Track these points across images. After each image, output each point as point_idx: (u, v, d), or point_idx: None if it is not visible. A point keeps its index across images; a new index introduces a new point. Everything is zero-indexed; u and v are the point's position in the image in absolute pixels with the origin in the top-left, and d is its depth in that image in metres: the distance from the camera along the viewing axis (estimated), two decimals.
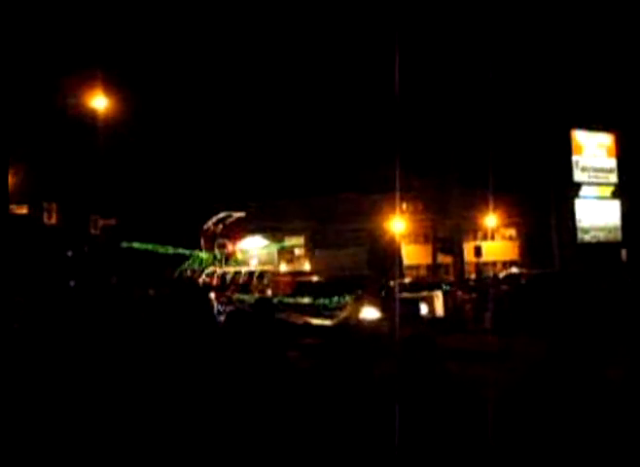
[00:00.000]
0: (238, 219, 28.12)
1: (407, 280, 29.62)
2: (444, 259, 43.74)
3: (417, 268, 45.84)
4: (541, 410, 10.63)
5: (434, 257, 44.43)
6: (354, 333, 18.65)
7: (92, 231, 28.58)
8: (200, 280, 24.92)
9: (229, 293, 24.45)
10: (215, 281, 25.80)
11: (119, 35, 36.71)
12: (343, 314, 20.12)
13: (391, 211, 40.25)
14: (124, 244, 26.43)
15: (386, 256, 33.95)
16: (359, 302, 20.42)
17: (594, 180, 41.88)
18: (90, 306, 22.94)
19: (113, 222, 29.05)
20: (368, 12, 40.16)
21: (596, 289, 21.69)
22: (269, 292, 25.26)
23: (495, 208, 40.48)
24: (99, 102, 25.56)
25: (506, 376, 14.28)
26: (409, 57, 37.29)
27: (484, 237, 44.00)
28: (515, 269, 32.57)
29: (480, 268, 39.30)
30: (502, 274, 28.50)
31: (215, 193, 39.99)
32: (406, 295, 22.81)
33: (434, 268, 44.05)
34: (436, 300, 23.65)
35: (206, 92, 41.36)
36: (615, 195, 42.54)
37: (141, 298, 25.57)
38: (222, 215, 27.17)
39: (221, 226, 27.08)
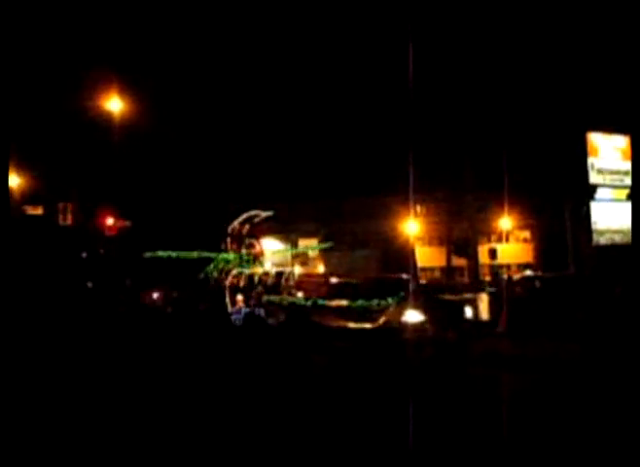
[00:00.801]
0: (267, 218, 27.42)
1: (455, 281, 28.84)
2: (459, 261, 43.63)
3: (432, 270, 45.80)
4: (574, 413, 10.74)
5: (448, 259, 44.31)
6: (396, 336, 18.23)
7: (107, 232, 28.71)
8: (227, 282, 24.52)
9: (256, 295, 23.98)
10: (242, 282, 25.32)
11: (134, 38, 36.84)
12: (385, 317, 19.31)
13: (405, 213, 40.26)
14: (148, 254, 26.06)
15: (400, 258, 33.94)
16: (402, 304, 19.47)
17: (610, 182, 41.69)
18: (105, 308, 23.20)
19: (128, 224, 29.14)
20: (379, 12, 40.10)
21: (613, 292, 21.61)
22: (300, 294, 24.58)
23: (510, 210, 40.40)
24: (115, 104, 25.75)
25: (524, 378, 14.53)
26: (424, 59, 37.32)
27: (499, 240, 43.85)
28: (529, 272, 32.46)
29: (494, 270, 39.15)
30: (516, 277, 28.29)
31: (231, 194, 40.14)
32: (449, 297, 22.23)
33: (448, 270, 43.94)
34: (480, 303, 22.93)
35: (222, 96, 41.42)
36: (631, 197, 42.27)
37: (164, 299, 26.14)
38: (250, 214, 26.64)
39: (248, 225, 26.38)
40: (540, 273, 29.55)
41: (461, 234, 44.05)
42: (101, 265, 29.07)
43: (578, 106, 38.57)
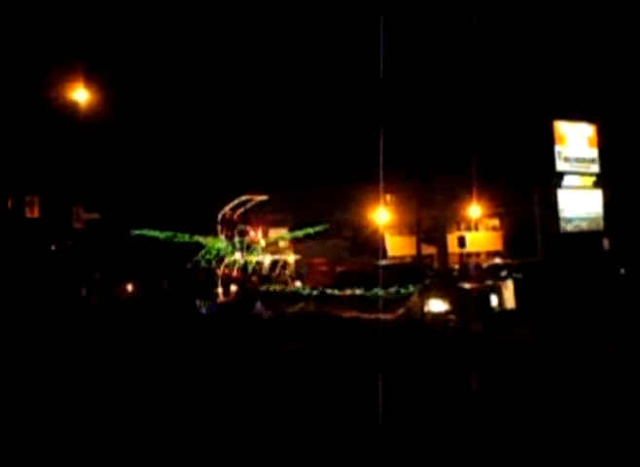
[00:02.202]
0: (261, 202, 25.78)
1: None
2: (429, 250, 43.86)
3: (402, 258, 46.01)
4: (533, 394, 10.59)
5: (418, 248, 44.52)
6: (419, 329, 16.94)
7: (76, 224, 28.38)
8: (219, 272, 23.13)
9: (250, 285, 22.61)
10: (235, 272, 23.87)
11: (100, 26, 36.47)
12: (405, 308, 17.70)
13: (375, 202, 40.37)
14: (136, 232, 24.48)
15: (371, 246, 33.98)
16: (425, 293, 17.99)
17: (576, 170, 42.14)
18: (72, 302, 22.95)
19: (96, 216, 28.87)
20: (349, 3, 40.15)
21: (579, 278, 21.72)
22: (298, 283, 23.15)
23: (479, 199, 40.72)
24: (81, 94, 25.46)
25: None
26: (393, 48, 37.34)
27: (468, 228, 44.18)
28: (498, 260, 32.75)
29: (463, 258, 39.47)
30: (485, 265, 28.46)
31: (200, 184, 39.99)
32: (473, 285, 20.43)
33: (418, 258, 44.15)
34: (504, 290, 21.05)
35: (191, 84, 41.16)
36: (597, 184, 42.85)
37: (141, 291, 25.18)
38: (242, 199, 24.81)
39: (241, 210, 24.76)
40: (509, 261, 29.77)
41: (431, 223, 44.27)
42: (69, 257, 28.75)
43: (545, 94, 38.89)
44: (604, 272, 22.89)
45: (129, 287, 24.34)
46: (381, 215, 40.57)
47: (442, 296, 17.90)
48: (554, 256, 35.36)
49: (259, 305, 20.96)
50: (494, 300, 19.44)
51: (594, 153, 43.04)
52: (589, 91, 38.90)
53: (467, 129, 38.35)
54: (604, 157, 42.39)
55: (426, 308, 17.62)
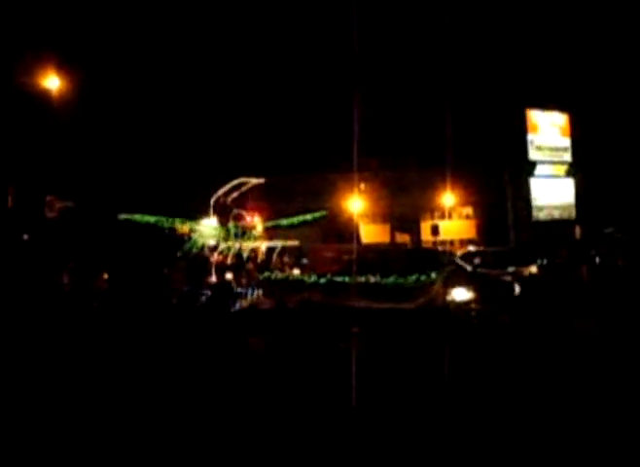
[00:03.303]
0: (258, 186, 24.24)
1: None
2: (402, 238, 44.07)
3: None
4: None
5: (392, 236, 44.73)
6: (442, 318, 15.53)
7: (49, 213, 28.03)
8: (212, 259, 21.84)
9: (246, 273, 21.57)
10: (230, 259, 22.51)
11: (74, 12, 36.09)
12: (426, 296, 16.40)
13: (349, 191, 40.40)
14: (123, 216, 23.24)
15: (344, 235, 33.91)
16: (449, 281, 16.64)
17: (549, 159, 42.49)
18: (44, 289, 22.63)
19: (70, 204, 28.53)
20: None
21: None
22: (296, 271, 21.77)
23: (453, 187, 40.91)
24: (53, 81, 25.15)
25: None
26: (368, 36, 37.34)
27: (442, 216, 44.36)
28: (471, 248, 32.95)
29: (437, 246, 39.65)
30: (459, 253, 28.53)
31: (174, 172, 39.83)
32: (496, 272, 19.12)
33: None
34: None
35: (171, 66, 40.84)
36: (569, 173, 43.24)
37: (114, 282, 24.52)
38: (235, 182, 23.42)
39: (235, 195, 23.32)
40: (482, 248, 29.91)
41: (404, 211, 44.47)
42: (43, 247, 28.38)
43: (518, 83, 39.12)
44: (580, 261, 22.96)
45: (107, 276, 24.02)
46: (355, 203, 40.62)
47: (466, 284, 16.59)
48: (526, 243, 35.64)
49: (256, 294, 19.95)
50: (517, 288, 18.11)
51: (567, 142, 43.42)
52: (562, 81, 39.18)
53: (440, 118, 38.45)
54: (576, 146, 42.78)
55: (449, 297, 16.39)
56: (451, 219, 44.61)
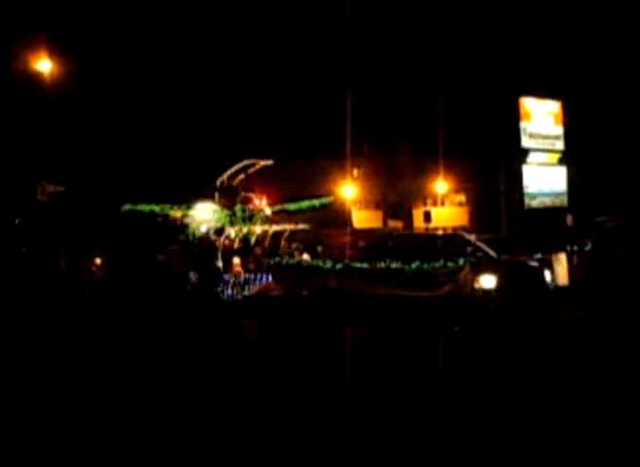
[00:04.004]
0: (265, 168, 23.03)
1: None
2: (395, 224, 44.06)
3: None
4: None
5: (384, 222, 44.76)
6: (470, 307, 14.87)
7: (40, 197, 27.90)
8: (218, 243, 20.82)
9: (254, 258, 20.91)
10: (237, 244, 21.67)
11: None
12: (452, 284, 15.46)
13: (342, 177, 40.36)
14: (127, 207, 22.00)
15: (337, 221, 33.83)
16: (477, 267, 15.60)
17: (542, 147, 42.49)
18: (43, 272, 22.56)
19: (61, 189, 28.37)
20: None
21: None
22: (306, 256, 21.02)
23: (445, 174, 40.90)
24: (45, 64, 25.00)
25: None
26: (360, 21, 37.23)
27: (435, 203, 44.37)
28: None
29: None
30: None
31: (164, 160, 39.65)
32: (522, 259, 17.68)
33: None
34: (557, 265, 18.98)
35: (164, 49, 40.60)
36: (561, 161, 43.28)
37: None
38: (241, 164, 22.43)
39: (241, 177, 22.32)
40: (474, 236, 29.79)
41: (397, 198, 44.50)
42: (35, 231, 28.26)
43: (511, 71, 39.06)
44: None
45: (99, 262, 23.92)
46: (348, 189, 40.60)
47: (494, 271, 15.55)
48: (518, 231, 35.67)
49: (265, 280, 19.24)
50: (548, 275, 17.17)
51: (559, 130, 43.41)
52: (555, 69, 39.14)
53: (434, 105, 38.39)
54: (569, 134, 42.80)
55: (477, 285, 15.37)
56: (444, 206, 44.62)
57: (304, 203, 24.25)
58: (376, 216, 45.99)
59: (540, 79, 39.60)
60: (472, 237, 18.96)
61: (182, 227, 24.26)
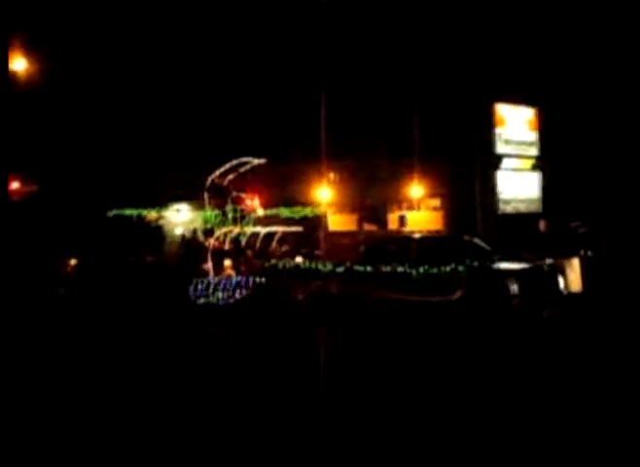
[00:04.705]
0: (258, 167, 22.39)
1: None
2: (370, 228, 44.19)
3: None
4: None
5: (359, 226, 44.84)
6: (482, 314, 14.27)
7: (13, 197, 27.58)
8: (207, 244, 20.48)
9: (245, 260, 20.59)
10: (227, 245, 21.25)
11: None
12: (464, 289, 14.87)
13: (317, 180, 40.33)
14: (113, 212, 21.77)
15: (312, 224, 33.78)
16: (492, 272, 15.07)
17: (516, 153, 42.80)
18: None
19: (35, 188, 28.09)
20: None
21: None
22: (298, 259, 20.58)
23: (421, 179, 41.11)
24: (19, 63, 24.72)
25: None
26: (336, 28, 37.32)
27: (410, 208, 44.51)
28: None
29: None
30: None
31: (141, 161, 39.42)
32: (532, 263, 17.04)
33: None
34: (569, 270, 18.32)
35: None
36: (535, 167, 43.63)
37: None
38: (234, 163, 21.77)
39: (232, 176, 21.74)
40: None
41: (372, 202, 44.62)
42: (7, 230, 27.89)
43: (486, 77, 39.35)
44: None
45: (74, 262, 23.73)
46: (323, 193, 40.59)
47: (508, 275, 15.11)
48: (492, 236, 35.88)
49: (258, 283, 18.82)
50: (561, 282, 16.71)
51: (534, 136, 43.75)
52: (530, 75, 39.48)
53: (409, 111, 38.57)
54: (544, 140, 43.18)
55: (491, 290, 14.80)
56: (419, 210, 44.78)
57: (297, 213, 23.83)
58: (351, 220, 46.04)
59: (515, 85, 39.93)
60: (479, 241, 18.62)
61: (157, 228, 23.98)
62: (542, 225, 37.49)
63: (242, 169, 22.23)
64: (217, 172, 21.69)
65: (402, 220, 39.47)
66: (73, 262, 23.73)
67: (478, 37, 38.64)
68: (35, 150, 31.63)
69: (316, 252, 22.39)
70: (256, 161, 22.27)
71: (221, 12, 41.13)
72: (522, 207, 42.55)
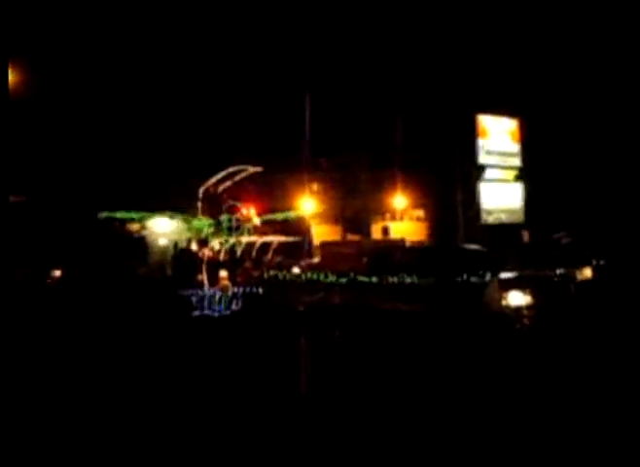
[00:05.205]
0: (254, 175, 21.92)
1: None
2: (353, 239, 44.36)
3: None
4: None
5: (343, 237, 44.98)
6: (496, 326, 13.88)
7: None
8: (202, 255, 19.96)
9: (242, 271, 20.37)
10: (223, 255, 20.75)
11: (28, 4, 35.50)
12: (481, 300, 14.30)
13: (301, 191, 40.50)
14: (104, 214, 21.40)
15: (296, 235, 33.82)
16: (506, 283, 14.56)
17: (498, 163, 43.19)
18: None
19: (21, 199, 28.01)
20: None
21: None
22: (296, 269, 20.37)
23: (404, 190, 41.38)
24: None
25: None
26: (319, 38, 37.58)
27: (393, 218, 44.76)
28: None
29: None
30: None
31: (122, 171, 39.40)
32: (544, 274, 16.18)
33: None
34: (581, 279, 17.60)
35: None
36: (518, 178, 44.03)
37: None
38: (229, 170, 21.17)
39: (227, 184, 21.04)
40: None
41: (356, 213, 44.82)
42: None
43: (469, 88, 39.72)
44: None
45: (59, 273, 23.55)
46: (307, 203, 40.76)
47: (524, 287, 14.43)
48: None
49: (255, 294, 18.49)
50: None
51: (516, 147, 44.18)
52: (513, 87, 39.89)
53: (392, 122, 38.85)
54: (526, 151, 43.60)
55: (504, 302, 14.25)
56: (402, 221, 45.06)
57: (289, 214, 23.45)
58: (335, 230, 46.20)
59: (497, 97, 40.32)
60: (482, 248, 18.26)
61: (140, 239, 23.82)
62: (524, 235, 37.93)
63: (237, 177, 21.50)
64: (211, 180, 21.01)
65: (385, 231, 39.72)
66: (57, 273, 23.47)
67: (460, 49, 39.04)
68: (22, 161, 31.60)
69: (312, 261, 22.05)
70: (251, 169, 21.70)
71: (201, 30, 41.35)
72: (505, 218, 42.93)
